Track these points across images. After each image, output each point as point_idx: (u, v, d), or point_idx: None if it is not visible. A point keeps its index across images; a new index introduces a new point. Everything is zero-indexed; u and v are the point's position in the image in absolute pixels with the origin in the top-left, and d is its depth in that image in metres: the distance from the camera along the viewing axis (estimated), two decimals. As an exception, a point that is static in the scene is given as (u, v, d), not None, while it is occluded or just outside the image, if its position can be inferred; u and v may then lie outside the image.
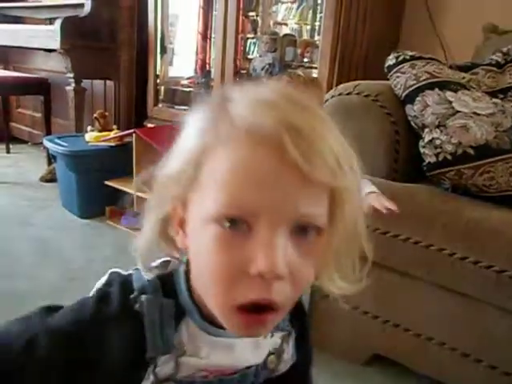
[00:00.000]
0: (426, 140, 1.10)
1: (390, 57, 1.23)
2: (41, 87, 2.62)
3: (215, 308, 0.39)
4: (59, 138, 2.13)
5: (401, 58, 1.21)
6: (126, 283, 0.44)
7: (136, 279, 0.44)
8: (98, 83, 2.59)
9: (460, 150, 1.04)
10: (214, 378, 0.45)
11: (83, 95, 2.33)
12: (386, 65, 1.23)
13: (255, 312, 0.37)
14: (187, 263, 0.44)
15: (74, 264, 1.65)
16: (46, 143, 2.10)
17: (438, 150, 1.07)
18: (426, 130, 1.11)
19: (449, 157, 1.05)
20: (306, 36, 2.18)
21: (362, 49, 1.73)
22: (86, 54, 2.26)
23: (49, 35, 2.22)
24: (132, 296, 0.42)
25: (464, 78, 1.16)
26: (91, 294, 0.45)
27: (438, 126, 1.08)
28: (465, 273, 0.94)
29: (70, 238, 1.87)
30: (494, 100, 1.08)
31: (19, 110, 3.17)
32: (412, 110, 1.13)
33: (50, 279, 1.53)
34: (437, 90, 1.10)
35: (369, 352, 1.16)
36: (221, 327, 0.41)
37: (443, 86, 1.11)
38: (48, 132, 2.59)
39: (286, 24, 2.25)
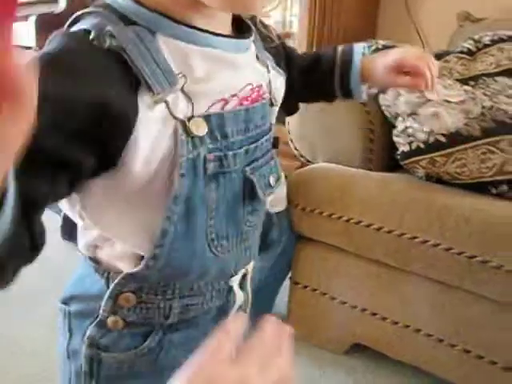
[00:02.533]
0: (399, 129, 1.10)
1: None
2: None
3: None
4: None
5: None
6: (73, 33, 0.36)
7: (81, 24, 0.36)
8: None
9: (432, 138, 1.05)
10: (238, 107, 0.41)
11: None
12: (359, 55, 1.23)
13: None
14: None
15: (55, 263, 1.64)
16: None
17: (411, 139, 1.08)
18: (399, 118, 1.11)
19: (421, 145, 1.06)
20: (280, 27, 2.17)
21: (338, 38, 1.72)
22: (63, 51, 2.23)
23: (24, 32, 2.18)
24: (93, 36, 0.35)
25: (436, 66, 1.17)
26: None
27: (410, 115, 1.09)
28: (437, 260, 0.95)
29: (51, 237, 1.85)
30: (465, 87, 1.09)
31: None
32: (385, 99, 1.14)
33: (31, 279, 1.52)
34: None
35: (349, 341, 1.17)
36: (202, 31, 0.38)
37: (415, 74, 1.11)
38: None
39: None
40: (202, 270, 0.42)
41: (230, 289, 0.46)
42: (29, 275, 1.55)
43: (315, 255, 1.15)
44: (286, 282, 1.23)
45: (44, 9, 2.25)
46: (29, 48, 2.26)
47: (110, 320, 0.41)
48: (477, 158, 1.01)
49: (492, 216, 0.92)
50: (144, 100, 0.35)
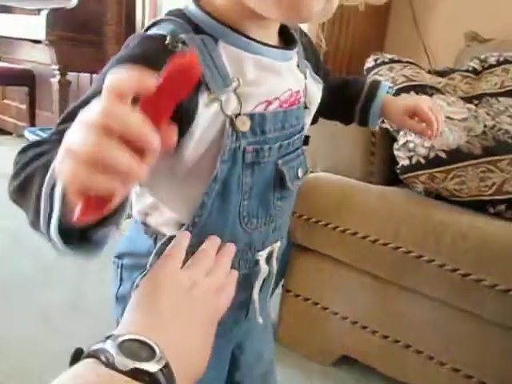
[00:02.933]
0: (400, 143, 1.10)
1: (369, 59, 1.24)
2: (24, 78, 2.59)
3: None
4: (42, 129, 2.11)
5: (379, 61, 1.21)
6: (151, 36, 0.42)
7: (158, 29, 0.43)
8: (84, 76, 2.57)
9: (432, 153, 1.05)
10: (278, 109, 0.48)
11: (68, 88, 2.31)
12: (365, 67, 1.24)
13: None
14: None
15: (48, 255, 1.63)
16: (28, 135, 2.08)
17: (412, 153, 1.08)
18: (401, 132, 1.11)
19: (421, 160, 1.06)
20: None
21: (346, 51, 1.73)
22: (72, 47, 2.24)
23: (34, 26, 2.19)
24: (168, 41, 0.41)
25: (440, 82, 1.17)
26: None
27: (412, 130, 1.09)
28: (431, 275, 0.95)
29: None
30: (468, 105, 1.09)
31: (5, 100, 3.13)
32: (388, 112, 1.14)
33: (23, 270, 1.51)
34: (412, 93, 1.10)
35: (338, 353, 1.16)
36: (256, 41, 0.45)
37: (419, 89, 1.11)
38: (32, 124, 2.57)
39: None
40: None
41: (257, 262, 0.52)
42: (21, 267, 1.54)
43: (309, 264, 1.15)
44: (279, 290, 1.22)
45: (56, 4, 2.26)
46: (38, 42, 2.28)
47: None
48: (476, 176, 1.01)
49: (489, 234, 0.92)
50: (203, 97, 0.42)
